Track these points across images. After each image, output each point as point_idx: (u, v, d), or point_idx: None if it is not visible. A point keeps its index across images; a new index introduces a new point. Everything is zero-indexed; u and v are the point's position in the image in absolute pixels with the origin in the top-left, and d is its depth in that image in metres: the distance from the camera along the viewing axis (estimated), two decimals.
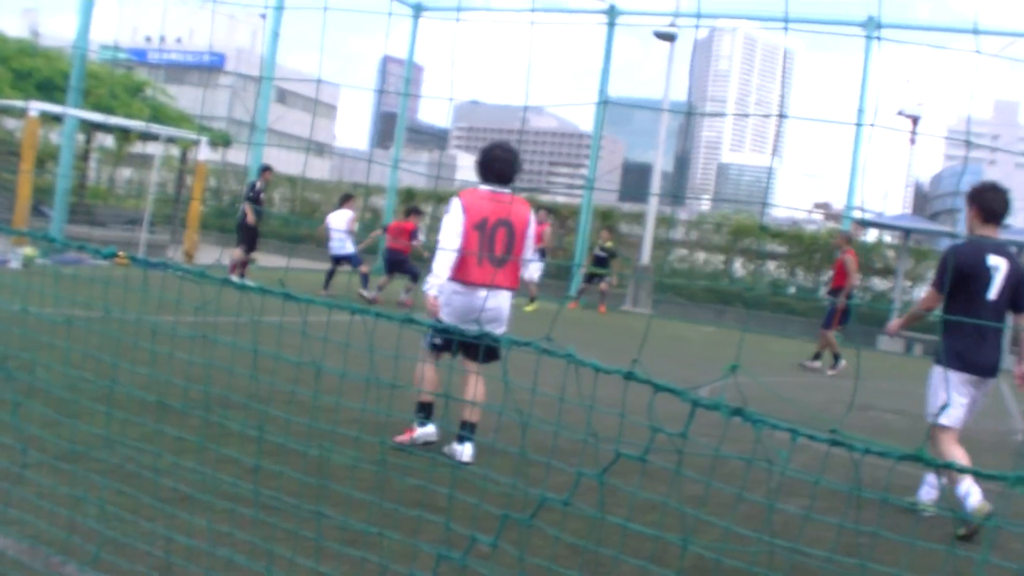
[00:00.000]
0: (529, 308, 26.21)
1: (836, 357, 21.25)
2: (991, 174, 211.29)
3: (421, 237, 26.78)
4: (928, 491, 8.33)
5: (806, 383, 18.35)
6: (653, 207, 38.24)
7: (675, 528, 5.84)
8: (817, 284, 38.45)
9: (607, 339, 20.69)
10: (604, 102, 34.55)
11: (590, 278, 31.65)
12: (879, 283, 38.64)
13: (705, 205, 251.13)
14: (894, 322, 9.16)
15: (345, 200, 24.64)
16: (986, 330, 8.21)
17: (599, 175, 45.70)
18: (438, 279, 8.25)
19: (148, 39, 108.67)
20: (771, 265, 39.47)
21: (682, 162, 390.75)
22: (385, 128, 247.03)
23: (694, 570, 5.70)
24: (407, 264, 24.21)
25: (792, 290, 38.76)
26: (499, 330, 8.39)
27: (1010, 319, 8.52)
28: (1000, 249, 8.38)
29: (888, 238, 41.54)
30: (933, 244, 45.04)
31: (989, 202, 8.38)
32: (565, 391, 3.63)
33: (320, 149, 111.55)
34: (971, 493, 7.67)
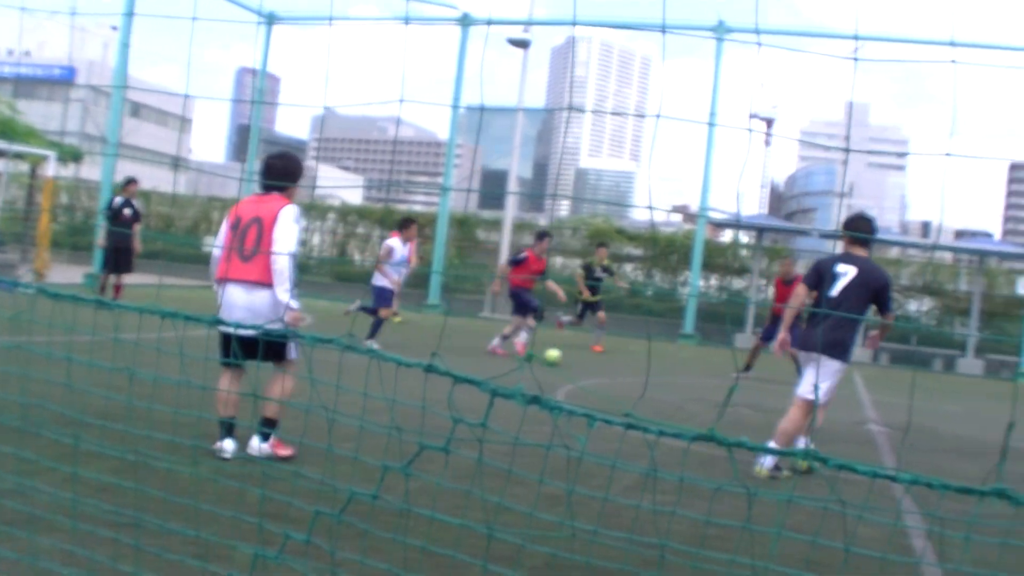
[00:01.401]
0: (396, 319, 25.88)
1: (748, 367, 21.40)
2: (842, 174, 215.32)
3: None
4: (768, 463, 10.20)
5: (664, 383, 18.51)
6: (509, 213, 38.41)
7: (481, 517, 5.85)
8: (674, 285, 38.93)
9: (467, 345, 20.61)
10: (455, 106, 34.41)
11: (584, 308, 25.29)
12: (735, 282, 39.27)
13: (563, 211, 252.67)
14: (781, 335, 11.17)
15: (406, 225, 20.98)
16: (821, 317, 10.59)
17: (456, 183, 45.67)
18: (212, 280, 8.90)
19: None
20: (628, 267, 39.90)
21: (540, 168, 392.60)
22: (242, 140, 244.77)
23: (501, 559, 5.70)
24: (528, 299, 21.06)
25: (649, 292, 39.19)
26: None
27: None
28: (853, 261, 10.58)
29: (744, 238, 42.20)
30: (788, 243, 45.73)
31: (855, 228, 10.85)
32: (369, 387, 3.63)
33: (175, 163, 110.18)
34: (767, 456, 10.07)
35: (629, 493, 7.98)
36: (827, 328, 10.46)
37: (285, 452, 8.36)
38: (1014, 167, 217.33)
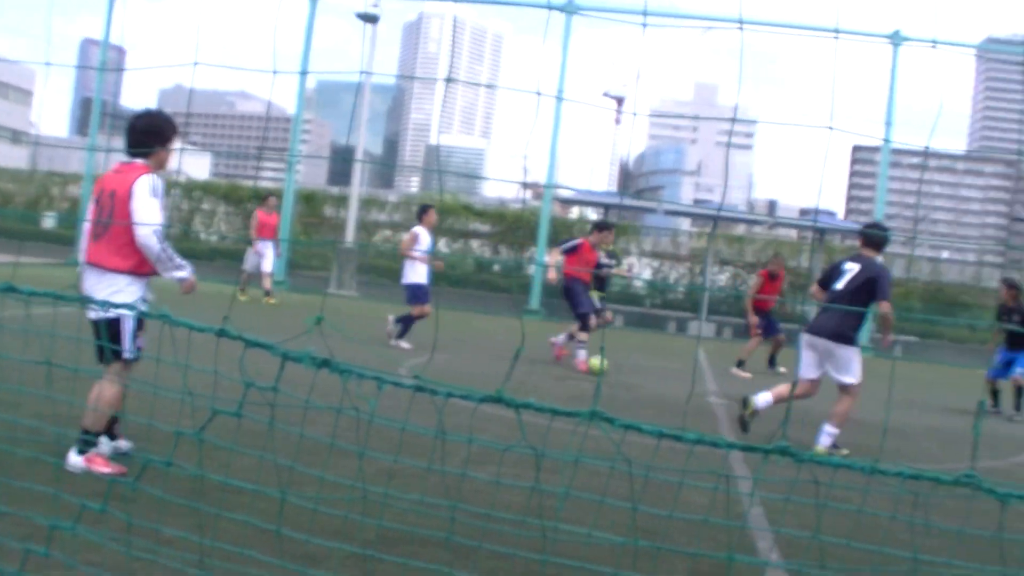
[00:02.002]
0: (243, 299, 25.37)
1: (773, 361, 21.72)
2: (692, 152, 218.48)
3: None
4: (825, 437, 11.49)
5: (509, 357, 18.51)
6: (355, 188, 38.21)
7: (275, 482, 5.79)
8: (520, 261, 39.11)
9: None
10: (303, 72, 34.06)
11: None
12: None
13: (413, 187, 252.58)
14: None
15: (424, 212, 19.74)
16: (828, 306, 11.86)
17: (305, 158, 45.36)
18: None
19: None
20: (475, 243, 39.97)
21: (391, 144, 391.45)
22: (86, 114, 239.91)
23: (292, 522, 5.65)
24: (581, 298, 18.29)
25: (496, 268, 39.32)
26: (107, 316, 7.26)
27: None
28: (858, 259, 11.82)
29: (593, 215, 42.53)
30: (636, 220, 46.12)
31: (869, 235, 12.07)
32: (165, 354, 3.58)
33: (15, 137, 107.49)
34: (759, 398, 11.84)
35: (472, 467, 7.96)
36: (835, 319, 11.59)
37: (104, 469, 7.09)
38: (857, 148, 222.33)
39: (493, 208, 41.95)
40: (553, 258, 18.66)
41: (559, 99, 33.16)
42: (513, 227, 39.14)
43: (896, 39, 33.12)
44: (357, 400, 3.43)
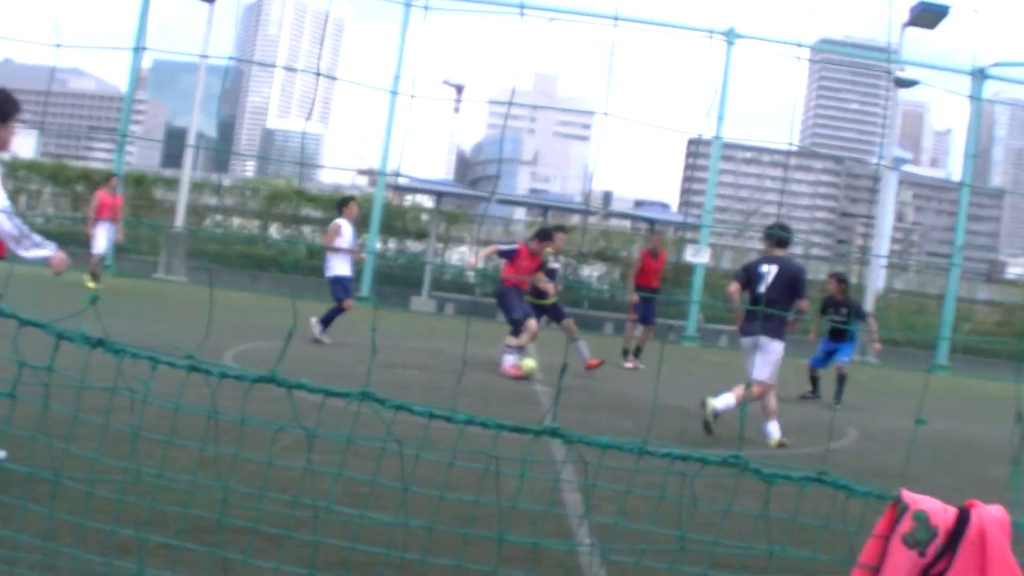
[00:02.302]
0: (91, 285, 24.74)
1: (638, 352, 21.72)
2: (529, 142, 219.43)
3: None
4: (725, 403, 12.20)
5: (337, 344, 18.40)
6: (186, 171, 37.65)
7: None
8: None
9: (134, 306, 20.07)
10: (138, 48, 33.53)
11: (540, 313, 18.02)
12: (412, 245, 39.57)
13: (248, 171, 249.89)
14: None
15: (345, 204, 19.18)
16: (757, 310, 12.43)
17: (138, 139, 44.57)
18: None
19: None
20: (307, 229, 39.72)
21: (227, 127, 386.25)
22: None
23: (67, 501, 5.53)
24: (513, 303, 17.24)
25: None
26: None
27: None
28: (774, 260, 12.59)
29: (427, 202, 42.53)
30: (470, 208, 46.25)
31: (774, 235, 12.74)
32: None
33: None
34: (771, 429, 12.56)
35: (287, 454, 7.88)
36: (766, 320, 12.24)
37: None
38: (692, 142, 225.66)
39: (327, 194, 41.67)
40: (486, 252, 18.70)
41: (393, 94, 33.20)
42: None
43: (730, 36, 33.69)
44: (131, 380, 3.43)
